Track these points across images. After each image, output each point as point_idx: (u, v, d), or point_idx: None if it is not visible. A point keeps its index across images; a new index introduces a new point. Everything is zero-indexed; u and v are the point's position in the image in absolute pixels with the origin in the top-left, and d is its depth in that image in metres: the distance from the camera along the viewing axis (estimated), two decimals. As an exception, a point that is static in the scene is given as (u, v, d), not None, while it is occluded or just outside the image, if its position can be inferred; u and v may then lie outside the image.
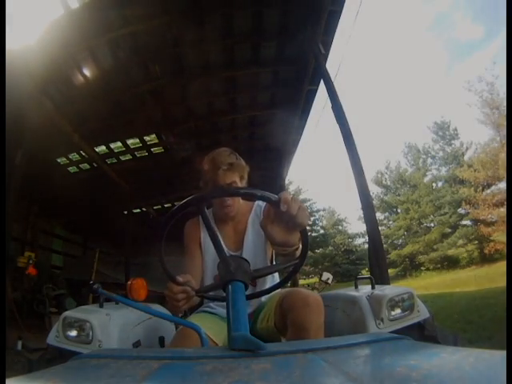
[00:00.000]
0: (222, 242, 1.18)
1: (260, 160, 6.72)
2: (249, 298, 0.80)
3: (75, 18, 3.43)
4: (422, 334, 1.09)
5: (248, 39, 4.24)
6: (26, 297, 5.31)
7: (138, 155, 6.31)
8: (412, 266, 18.56)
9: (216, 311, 1.15)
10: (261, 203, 1.23)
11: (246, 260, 0.72)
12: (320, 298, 0.90)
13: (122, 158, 6.34)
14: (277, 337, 1.00)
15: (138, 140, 5.94)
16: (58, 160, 6.10)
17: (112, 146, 5.92)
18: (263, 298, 1.16)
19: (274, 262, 1.24)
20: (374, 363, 0.44)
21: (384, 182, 22.56)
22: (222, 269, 0.71)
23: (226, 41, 4.20)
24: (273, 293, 1.12)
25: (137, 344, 1.17)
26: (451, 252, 17.43)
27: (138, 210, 8.57)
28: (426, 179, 20.28)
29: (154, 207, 8.79)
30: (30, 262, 5.50)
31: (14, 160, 3.58)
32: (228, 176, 1.11)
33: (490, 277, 9.82)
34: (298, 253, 0.75)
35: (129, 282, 1.12)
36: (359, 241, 23.39)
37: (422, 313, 1.13)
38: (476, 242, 16.02)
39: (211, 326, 1.01)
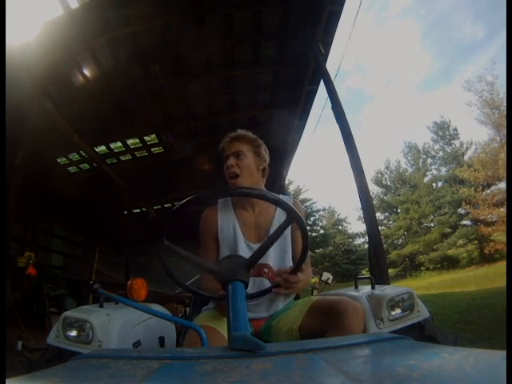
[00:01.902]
0: (241, 231, 1.16)
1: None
2: (249, 298, 0.80)
3: (75, 17, 3.43)
4: (422, 334, 1.09)
5: (248, 39, 4.23)
6: (26, 297, 5.30)
7: (137, 155, 6.30)
8: (412, 266, 18.57)
9: None
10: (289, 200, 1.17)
11: (246, 259, 0.72)
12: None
13: (122, 158, 6.33)
14: (294, 339, 0.99)
15: (138, 140, 5.93)
16: (58, 160, 6.10)
17: (112, 146, 5.92)
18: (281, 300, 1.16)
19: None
20: (374, 363, 0.44)
21: (384, 182, 22.58)
22: (221, 268, 0.71)
23: (226, 41, 4.19)
24: (301, 300, 1.14)
25: (137, 344, 1.17)
26: (451, 252, 17.44)
27: (138, 210, 8.56)
28: (426, 179, 20.30)
29: (154, 207, 8.79)
30: (30, 262, 5.49)
31: (14, 160, 3.57)
32: (235, 145, 1.17)
33: (490, 277, 9.83)
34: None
35: (129, 282, 1.13)
36: (359, 241, 23.42)
37: (421, 313, 1.13)
38: (476, 241, 16.03)
39: (225, 324, 1.00)
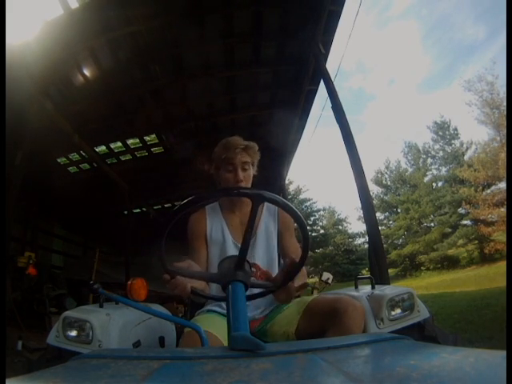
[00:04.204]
0: (229, 232, 1.18)
1: (260, 160, 6.71)
2: (249, 298, 0.80)
3: (75, 17, 3.43)
4: (421, 334, 1.08)
5: (248, 39, 4.23)
6: (26, 297, 5.31)
7: (138, 155, 6.30)
8: (412, 266, 18.57)
9: (225, 312, 1.13)
10: None
11: (246, 260, 0.72)
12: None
13: (122, 158, 6.33)
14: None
15: (138, 140, 5.93)
16: (58, 160, 6.09)
17: (112, 146, 5.92)
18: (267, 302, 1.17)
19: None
20: (373, 363, 0.44)
21: (384, 181, 22.58)
22: (222, 269, 0.71)
23: (226, 41, 4.19)
24: (295, 300, 1.12)
25: (137, 344, 1.17)
26: (451, 252, 17.44)
27: (138, 210, 8.56)
28: (426, 179, 20.29)
29: (154, 207, 8.79)
30: (30, 262, 5.49)
31: (14, 160, 3.57)
32: (243, 156, 1.16)
33: (490, 277, 9.82)
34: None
35: (129, 282, 1.12)
36: (359, 241, 23.44)
37: (422, 313, 1.13)
38: (476, 241, 16.03)
39: (219, 327, 0.99)
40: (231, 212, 1.23)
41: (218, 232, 1.20)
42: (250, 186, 1.18)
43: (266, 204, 1.22)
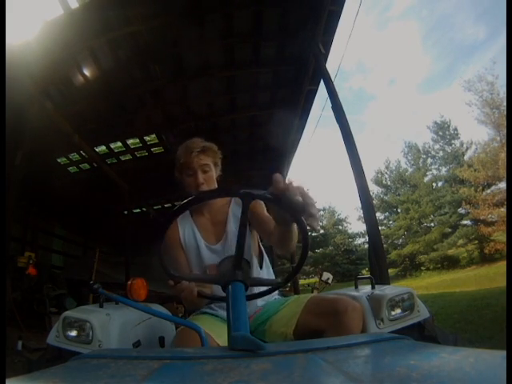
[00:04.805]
0: (200, 235, 1.17)
1: (260, 160, 6.72)
2: (249, 298, 0.80)
3: (75, 17, 3.43)
4: (421, 334, 1.08)
5: (248, 39, 4.23)
6: (26, 297, 5.31)
7: (138, 155, 6.30)
8: (412, 266, 18.59)
9: (217, 313, 1.13)
10: None
11: (246, 260, 0.72)
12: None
13: (122, 158, 6.33)
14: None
15: (138, 140, 5.93)
16: (58, 160, 6.09)
17: (112, 146, 5.92)
18: (261, 302, 1.16)
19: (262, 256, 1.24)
20: (373, 363, 0.44)
21: (384, 181, 22.59)
22: (222, 269, 0.71)
23: (226, 41, 4.19)
24: (290, 299, 1.12)
25: (137, 344, 1.17)
26: (451, 252, 17.46)
27: (138, 210, 8.56)
28: (426, 179, 20.31)
29: (154, 207, 8.79)
30: (30, 262, 5.49)
31: (14, 160, 3.57)
32: (201, 158, 1.15)
33: (490, 277, 9.83)
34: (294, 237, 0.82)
35: (129, 282, 1.12)
36: (359, 241, 23.47)
37: (422, 313, 1.12)
38: (476, 241, 16.04)
39: (213, 327, 1.00)
40: (201, 214, 1.22)
41: (191, 237, 1.19)
42: (213, 187, 1.15)
43: (233, 198, 1.18)
